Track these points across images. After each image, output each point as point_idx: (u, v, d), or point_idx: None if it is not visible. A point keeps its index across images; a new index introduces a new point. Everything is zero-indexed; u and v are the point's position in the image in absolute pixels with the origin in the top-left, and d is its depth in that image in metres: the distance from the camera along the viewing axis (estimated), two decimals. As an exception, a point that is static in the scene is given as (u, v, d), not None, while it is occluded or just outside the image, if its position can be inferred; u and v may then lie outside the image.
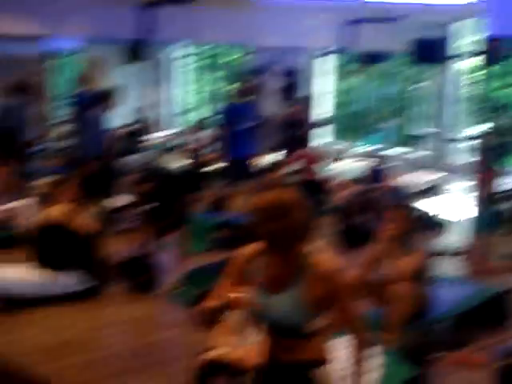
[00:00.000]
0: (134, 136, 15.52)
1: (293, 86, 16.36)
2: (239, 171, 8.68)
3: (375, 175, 9.47)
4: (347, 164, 13.34)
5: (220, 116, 9.08)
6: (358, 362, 2.91)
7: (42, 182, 8.88)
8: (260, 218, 2.80)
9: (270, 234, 2.79)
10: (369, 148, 14.55)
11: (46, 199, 6.46)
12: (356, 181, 10.17)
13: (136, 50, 17.43)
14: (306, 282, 2.81)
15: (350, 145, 15.78)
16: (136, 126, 15.95)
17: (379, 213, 8.30)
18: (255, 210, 2.83)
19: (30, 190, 9.34)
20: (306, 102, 11.22)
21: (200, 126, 13.47)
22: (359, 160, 12.48)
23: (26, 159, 10.32)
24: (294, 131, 10.80)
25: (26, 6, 12.89)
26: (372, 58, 15.31)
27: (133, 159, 13.11)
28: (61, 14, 13.24)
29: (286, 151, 10.93)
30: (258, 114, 10.00)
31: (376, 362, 4.08)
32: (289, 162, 10.17)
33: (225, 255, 6.67)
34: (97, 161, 8.20)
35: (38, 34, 14.28)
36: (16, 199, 8.02)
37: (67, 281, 5.81)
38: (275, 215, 2.77)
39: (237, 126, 8.43)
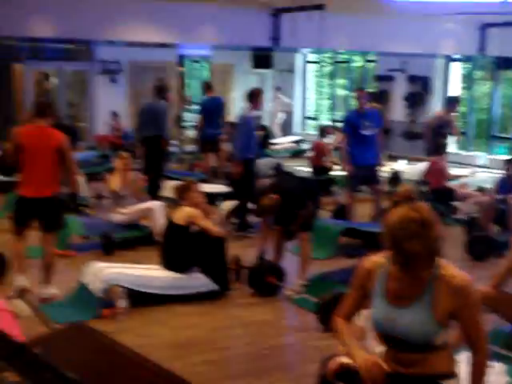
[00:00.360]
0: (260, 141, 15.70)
1: (420, 93, 16.05)
2: (362, 178, 8.59)
3: (505, 185, 9.10)
4: (475, 173, 12.94)
5: (343, 122, 9.02)
6: (480, 378, 2.81)
7: (172, 184, 9.17)
8: (399, 235, 2.68)
9: (409, 253, 2.66)
10: (498, 157, 14.04)
11: (175, 202, 6.66)
12: (485, 191, 9.83)
13: (263, 57, 17.68)
14: (437, 295, 2.74)
15: (478, 154, 15.31)
16: (262, 132, 16.12)
17: (510, 224, 8.00)
18: (394, 227, 2.72)
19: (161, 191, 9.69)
20: (452, 105, 10.83)
21: (324, 131, 13.44)
22: (488, 169, 12.05)
23: (166, 161, 10.79)
24: (439, 137, 10.50)
25: (163, 17, 13.42)
26: (504, 64, 14.80)
27: (256, 164, 13.27)
28: (194, 22, 13.64)
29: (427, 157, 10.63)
30: (384, 121, 9.84)
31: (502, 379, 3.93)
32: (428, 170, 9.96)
33: (349, 263, 6.68)
34: (243, 163, 8.41)
35: (174, 41, 14.81)
36: (148, 200, 8.30)
37: (193, 282, 5.95)
38: (416, 233, 2.67)
39: (360, 132, 8.36)
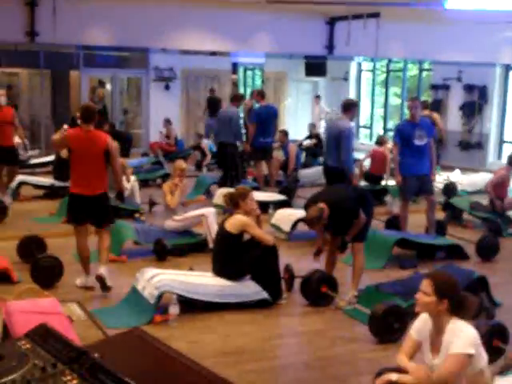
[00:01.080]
0: (308, 150, 15.66)
1: (476, 102, 15.79)
2: (415, 188, 8.46)
3: None
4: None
5: (394, 132, 8.89)
6: None
7: (223, 192, 9.20)
8: None
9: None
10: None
11: (227, 209, 6.68)
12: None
13: (317, 65, 17.65)
14: None
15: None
16: (310, 141, 16.08)
17: None
18: None
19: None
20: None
21: (382, 140, 13.33)
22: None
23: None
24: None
25: (218, 25, 13.55)
26: None
27: (308, 173, 13.25)
28: (248, 30, 13.73)
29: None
30: (437, 130, 9.65)
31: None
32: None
33: (402, 274, 6.59)
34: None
35: (228, 49, 14.93)
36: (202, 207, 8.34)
37: (245, 290, 5.94)
38: None
39: (412, 142, 8.24)
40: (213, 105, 16.08)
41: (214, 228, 7.34)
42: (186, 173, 8.36)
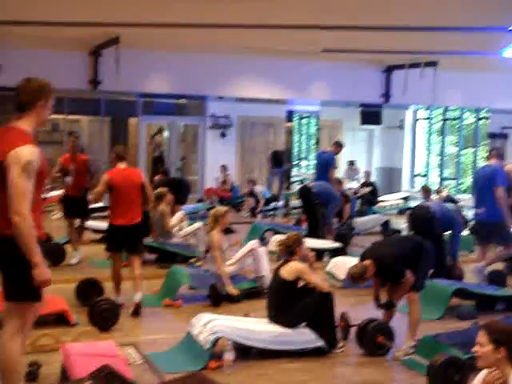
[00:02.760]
0: (364, 198, 15.62)
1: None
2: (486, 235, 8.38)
3: None
4: None
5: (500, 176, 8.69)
6: None
7: (278, 238, 9.21)
8: None
9: None
10: None
11: (281, 256, 6.67)
12: None
13: (373, 113, 17.69)
14: None
15: None
16: (366, 189, 16.04)
17: None
18: None
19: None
20: None
21: (428, 191, 13.23)
22: None
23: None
24: None
25: (274, 73, 13.74)
26: None
27: (363, 221, 13.18)
28: (304, 78, 13.87)
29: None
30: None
31: None
32: None
33: (460, 325, 6.44)
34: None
35: (283, 97, 15.11)
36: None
37: (300, 337, 5.88)
38: None
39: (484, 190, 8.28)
40: (276, 157, 16.59)
41: (265, 262, 7.50)
42: (227, 219, 8.24)
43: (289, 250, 6.15)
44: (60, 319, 6.45)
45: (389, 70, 13.92)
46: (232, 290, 7.62)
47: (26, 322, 3.99)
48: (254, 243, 8.11)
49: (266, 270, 7.83)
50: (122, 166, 7.23)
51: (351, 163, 18.06)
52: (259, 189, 16.12)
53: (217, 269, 7.77)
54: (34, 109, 3.99)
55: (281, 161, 16.77)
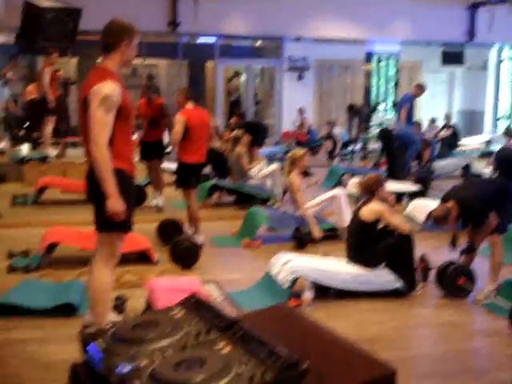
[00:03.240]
0: (444, 141, 15.28)
1: None
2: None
3: None
4: None
5: None
6: None
7: (356, 180, 9.16)
8: None
9: None
10: None
11: (360, 197, 6.63)
12: None
13: (454, 53, 17.12)
14: None
15: None
16: (446, 132, 15.67)
17: None
18: None
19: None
20: None
21: (506, 132, 12.82)
22: None
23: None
24: None
25: (353, 12, 13.44)
26: None
27: (443, 164, 12.93)
28: (385, 17, 13.52)
29: None
30: None
31: None
32: None
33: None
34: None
35: (363, 37, 14.78)
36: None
37: (379, 279, 5.88)
38: None
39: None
40: (352, 110, 16.50)
41: (346, 210, 7.40)
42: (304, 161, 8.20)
43: (369, 191, 6.11)
44: (142, 257, 6.64)
45: (474, 6, 13.40)
46: (316, 231, 7.65)
47: (113, 252, 4.18)
48: (338, 192, 8.04)
49: (347, 215, 7.80)
50: (190, 106, 7.41)
51: (432, 121, 17.53)
52: (338, 131, 15.97)
53: (298, 211, 7.80)
54: (119, 48, 4.16)
55: (358, 113, 16.60)
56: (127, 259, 6.41)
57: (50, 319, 4.30)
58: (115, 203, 3.99)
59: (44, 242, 6.46)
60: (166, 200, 9.49)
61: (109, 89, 4.00)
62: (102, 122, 3.97)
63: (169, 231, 7.36)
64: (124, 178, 4.12)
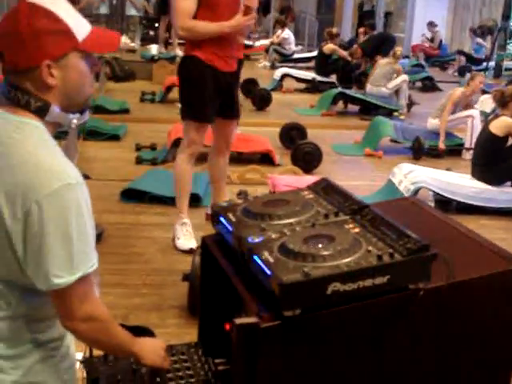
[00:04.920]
0: None
1: None
2: None
3: None
4: None
5: None
6: None
7: (486, 98, 8.79)
8: None
9: None
10: None
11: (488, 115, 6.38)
12: None
13: None
14: None
15: None
16: None
17: None
18: None
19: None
20: None
21: None
22: None
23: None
24: None
25: None
26: None
27: None
28: None
29: None
30: None
31: None
32: None
33: None
34: None
35: None
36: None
37: (503, 196, 5.71)
38: None
39: None
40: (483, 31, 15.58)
41: (478, 130, 7.13)
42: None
43: (502, 101, 5.86)
44: (265, 159, 6.73)
45: None
46: (442, 144, 7.48)
47: (188, 140, 4.29)
48: (475, 112, 7.78)
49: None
50: None
51: None
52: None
53: (438, 120, 7.66)
54: None
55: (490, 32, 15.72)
56: (250, 159, 6.54)
57: (175, 207, 4.47)
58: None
59: (170, 137, 6.65)
60: (293, 105, 9.52)
61: None
62: (179, 9, 4.03)
63: (292, 135, 7.39)
64: (200, 66, 4.09)
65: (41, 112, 1.59)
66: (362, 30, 13.77)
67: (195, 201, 4.94)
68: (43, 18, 1.55)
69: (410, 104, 9.90)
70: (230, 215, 1.88)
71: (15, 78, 1.59)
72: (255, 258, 1.61)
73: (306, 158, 6.56)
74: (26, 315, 1.63)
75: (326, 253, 1.56)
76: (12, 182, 1.52)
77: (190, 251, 4.10)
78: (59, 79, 1.59)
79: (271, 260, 1.57)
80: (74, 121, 1.67)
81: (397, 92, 9.90)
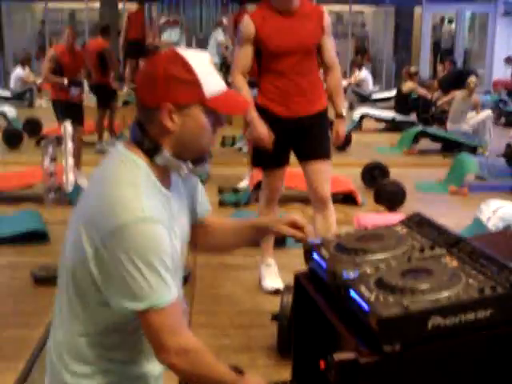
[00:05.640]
0: None
1: None
2: None
3: None
4: None
5: None
6: None
7: None
8: None
9: None
10: None
11: None
12: None
13: None
14: None
15: None
16: None
17: None
18: None
19: None
20: None
21: None
22: None
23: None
24: None
25: None
26: None
27: None
28: None
29: None
30: None
31: None
32: None
33: None
34: None
35: None
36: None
37: None
38: None
39: None
40: None
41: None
42: None
43: None
44: (347, 199, 6.68)
45: None
46: None
47: (264, 187, 4.32)
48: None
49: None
50: None
51: None
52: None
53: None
54: None
55: None
56: (333, 200, 6.49)
57: (259, 249, 4.49)
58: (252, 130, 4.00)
59: (252, 179, 6.70)
60: (373, 145, 9.47)
61: (241, 24, 4.01)
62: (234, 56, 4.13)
63: (374, 175, 7.34)
64: (266, 116, 3.96)
65: (151, 153, 1.67)
66: (440, 67, 13.64)
67: (279, 242, 4.93)
68: (178, 66, 1.64)
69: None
70: (324, 251, 1.87)
71: (142, 115, 1.70)
72: (352, 292, 1.59)
73: (390, 197, 6.49)
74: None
75: (424, 287, 1.53)
76: (94, 206, 1.63)
77: (276, 292, 4.10)
78: (178, 126, 1.66)
79: (368, 295, 1.56)
80: (185, 170, 1.74)
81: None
